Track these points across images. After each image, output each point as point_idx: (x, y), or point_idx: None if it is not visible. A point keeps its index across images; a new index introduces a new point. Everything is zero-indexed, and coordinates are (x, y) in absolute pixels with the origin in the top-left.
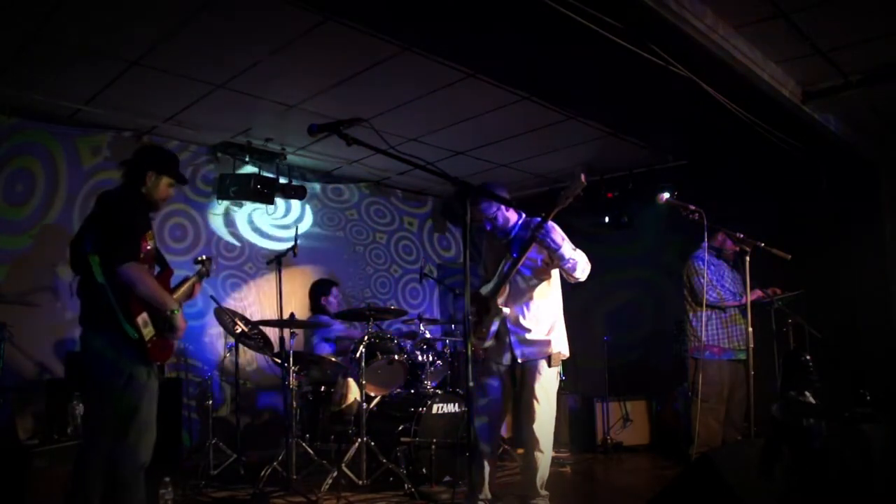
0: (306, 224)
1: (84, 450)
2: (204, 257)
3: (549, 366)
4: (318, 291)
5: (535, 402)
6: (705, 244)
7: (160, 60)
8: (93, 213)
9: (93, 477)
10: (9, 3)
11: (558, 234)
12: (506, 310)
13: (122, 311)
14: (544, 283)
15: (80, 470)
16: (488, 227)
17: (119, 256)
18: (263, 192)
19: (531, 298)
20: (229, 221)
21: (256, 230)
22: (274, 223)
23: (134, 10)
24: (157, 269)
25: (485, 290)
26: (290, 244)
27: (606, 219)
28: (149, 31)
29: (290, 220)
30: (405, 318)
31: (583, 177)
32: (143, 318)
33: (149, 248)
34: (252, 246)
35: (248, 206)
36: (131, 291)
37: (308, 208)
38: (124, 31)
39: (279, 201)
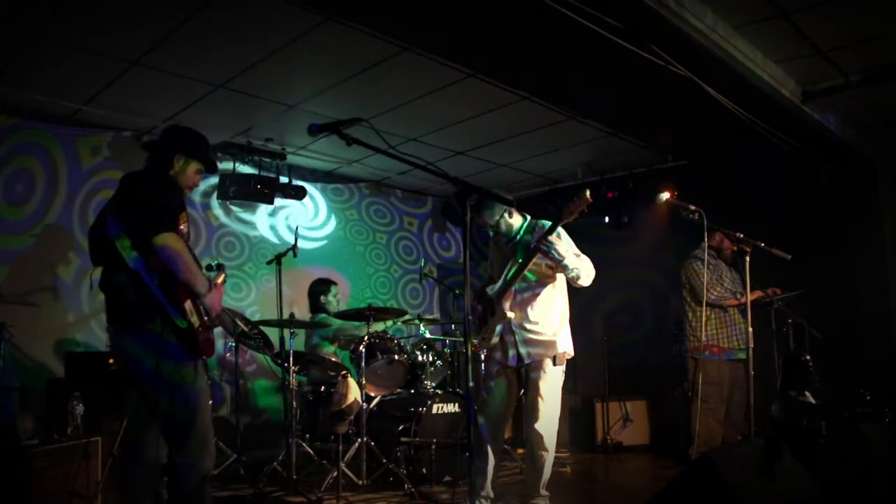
0: (329, 228)
1: (130, 467)
2: (217, 263)
3: (555, 365)
4: (317, 291)
5: (540, 400)
6: (705, 244)
7: (160, 60)
8: (116, 195)
9: (144, 497)
10: (9, 3)
11: (563, 245)
12: (510, 314)
13: (166, 296)
14: (549, 286)
15: (129, 489)
16: (491, 234)
17: (154, 228)
18: (263, 192)
19: (537, 300)
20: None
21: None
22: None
23: (134, 10)
24: None
25: (490, 290)
26: (316, 244)
27: (606, 219)
28: (149, 31)
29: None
30: (405, 318)
31: (588, 193)
32: (189, 304)
33: (183, 229)
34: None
35: (286, 209)
36: (173, 272)
37: (333, 214)
38: (124, 31)
39: (309, 203)
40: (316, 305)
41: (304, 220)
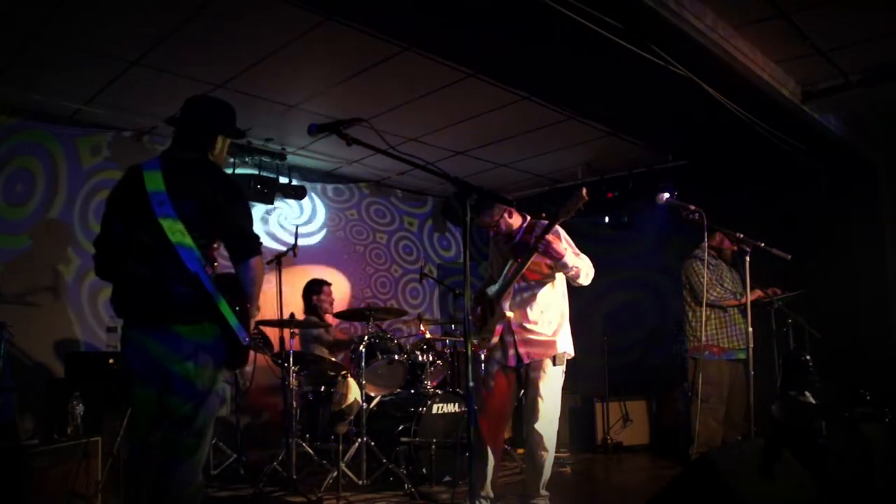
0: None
1: (136, 469)
2: None
3: (555, 365)
4: (309, 292)
5: (539, 400)
6: (705, 244)
7: (160, 60)
8: (175, 179)
9: (145, 499)
10: (9, 3)
11: (561, 243)
12: (509, 313)
13: (233, 307)
14: (548, 286)
15: (132, 491)
16: (491, 234)
17: (252, 252)
18: (263, 192)
19: (536, 300)
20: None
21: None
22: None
23: (134, 9)
24: None
25: (490, 290)
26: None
27: (606, 219)
28: (149, 31)
29: (303, 219)
30: (405, 318)
31: (584, 191)
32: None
33: None
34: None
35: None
36: (245, 288)
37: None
38: (124, 31)
39: (294, 203)
40: (308, 307)
41: (295, 220)
